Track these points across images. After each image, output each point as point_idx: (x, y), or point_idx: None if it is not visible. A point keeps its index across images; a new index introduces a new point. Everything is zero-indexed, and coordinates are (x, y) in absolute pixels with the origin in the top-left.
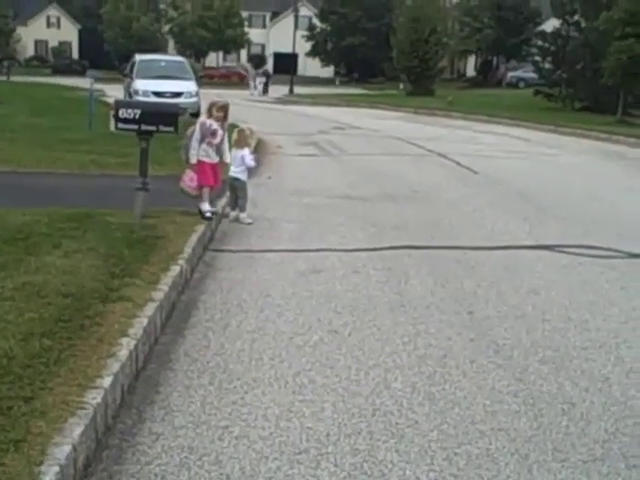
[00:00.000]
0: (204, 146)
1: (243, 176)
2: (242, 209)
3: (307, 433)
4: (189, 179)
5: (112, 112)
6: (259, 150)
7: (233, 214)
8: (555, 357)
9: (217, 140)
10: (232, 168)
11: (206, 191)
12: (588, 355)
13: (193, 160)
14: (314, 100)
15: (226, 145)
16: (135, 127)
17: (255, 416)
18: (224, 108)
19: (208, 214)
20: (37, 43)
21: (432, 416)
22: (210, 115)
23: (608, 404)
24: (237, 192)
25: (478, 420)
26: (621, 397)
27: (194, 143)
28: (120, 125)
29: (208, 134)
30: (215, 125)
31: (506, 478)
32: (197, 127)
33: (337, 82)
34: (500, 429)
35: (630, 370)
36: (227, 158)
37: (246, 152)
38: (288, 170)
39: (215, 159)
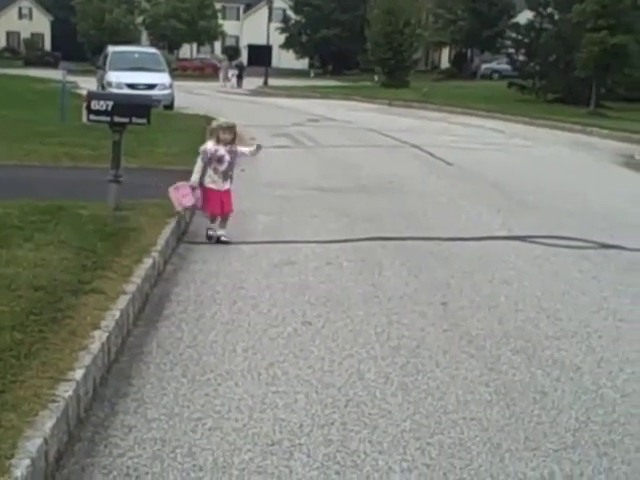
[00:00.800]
0: (210, 172)
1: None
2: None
3: (280, 424)
4: (182, 194)
5: (85, 104)
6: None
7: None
8: (527, 347)
9: (224, 167)
10: None
11: (213, 220)
12: (560, 345)
13: (193, 181)
14: (288, 92)
15: (244, 150)
16: (107, 119)
17: (228, 408)
18: (231, 130)
19: (224, 238)
20: (9, 34)
21: (405, 406)
22: (217, 139)
23: (579, 393)
24: None
25: (451, 410)
26: (592, 386)
27: (198, 166)
28: (92, 117)
29: (214, 161)
30: (222, 150)
31: (478, 467)
32: (206, 149)
33: (312, 74)
34: (472, 419)
35: (601, 359)
36: (246, 149)
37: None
38: (262, 162)
39: (223, 186)
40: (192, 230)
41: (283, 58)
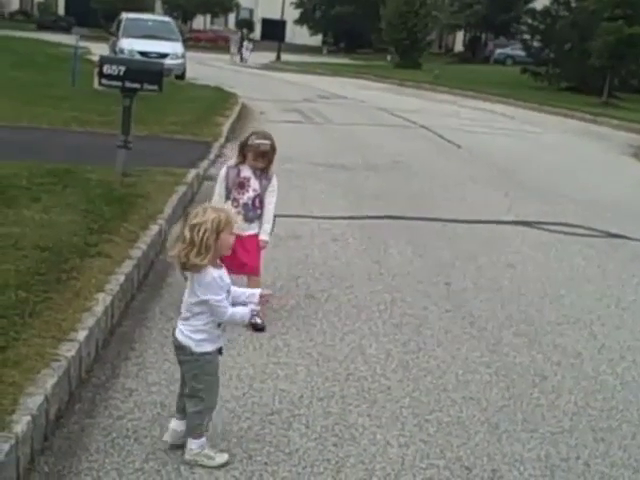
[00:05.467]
0: (228, 205)
1: (190, 342)
2: (193, 429)
3: (280, 395)
4: None
5: (96, 69)
6: (243, 116)
7: (173, 428)
8: (529, 331)
9: (246, 197)
10: (179, 322)
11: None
12: (562, 330)
13: None
14: (301, 68)
15: (269, 209)
16: (119, 84)
17: (229, 376)
18: (265, 156)
19: (253, 319)
20: None
21: (405, 383)
22: (242, 158)
23: (579, 378)
24: (186, 379)
25: (450, 389)
26: (592, 372)
27: (215, 196)
28: (104, 81)
29: (233, 186)
30: (247, 171)
31: (475, 446)
32: (220, 173)
33: (324, 51)
34: (472, 398)
35: (602, 346)
36: (266, 232)
37: (212, 273)
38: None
39: (244, 230)
40: (199, 199)
41: (297, 34)
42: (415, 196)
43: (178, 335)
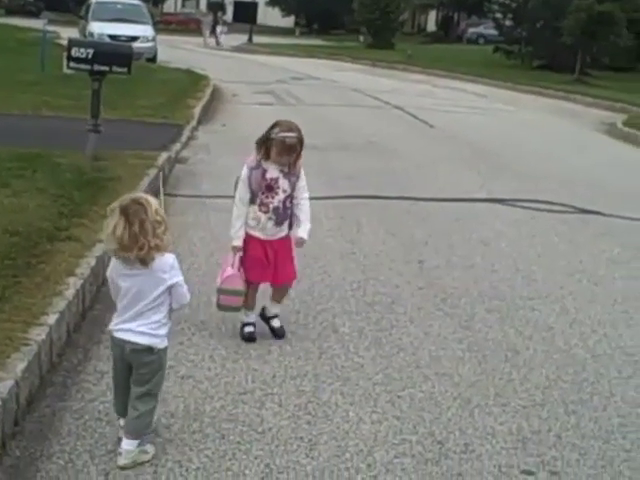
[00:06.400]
0: (254, 211)
1: (156, 339)
2: (144, 428)
3: (253, 374)
4: (230, 281)
5: (65, 53)
6: (215, 98)
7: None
8: (501, 306)
9: (277, 200)
10: (129, 323)
11: (251, 292)
12: (534, 305)
13: (233, 238)
14: (273, 50)
15: (307, 206)
16: (88, 67)
17: (202, 357)
18: (292, 149)
19: (247, 329)
20: None
21: (378, 360)
22: (266, 155)
23: (551, 352)
24: (136, 379)
25: (423, 365)
26: (564, 346)
27: (237, 205)
28: (72, 64)
29: (260, 189)
30: (273, 171)
31: (447, 421)
32: (242, 174)
33: (297, 33)
34: (444, 374)
35: (574, 321)
36: (306, 231)
37: (173, 258)
38: (243, 118)
39: (274, 234)
40: (171, 182)
41: (269, 15)
42: (388, 176)
43: (136, 338)
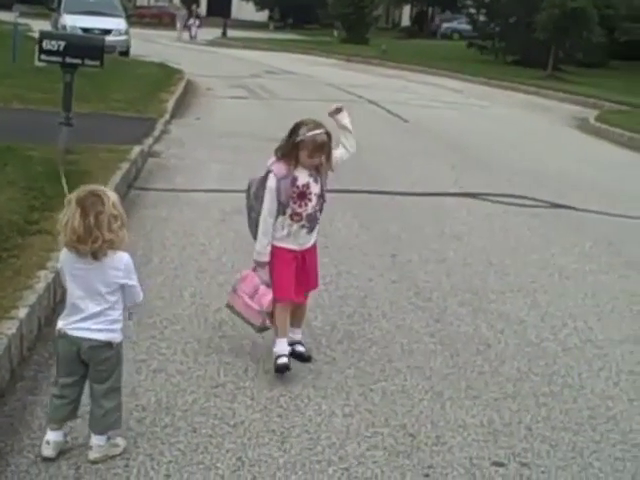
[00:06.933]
0: (285, 221)
1: (114, 334)
2: (113, 424)
3: (225, 368)
4: (249, 295)
5: (37, 46)
6: (189, 92)
7: (54, 440)
8: (473, 300)
9: (311, 206)
10: (85, 322)
11: (282, 313)
12: (506, 299)
13: (261, 253)
14: (247, 44)
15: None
16: (59, 59)
17: (174, 351)
18: (323, 147)
19: (282, 360)
20: None
21: (350, 354)
22: (295, 160)
23: (522, 345)
24: (95, 377)
25: (395, 358)
26: (535, 339)
27: (265, 217)
28: (44, 57)
29: (292, 198)
30: (304, 177)
31: (419, 413)
32: (267, 185)
33: (271, 27)
34: (416, 367)
35: (545, 314)
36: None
37: (128, 258)
38: (217, 112)
39: (306, 242)
40: (143, 176)
41: (243, 9)
42: (362, 170)
43: (94, 335)
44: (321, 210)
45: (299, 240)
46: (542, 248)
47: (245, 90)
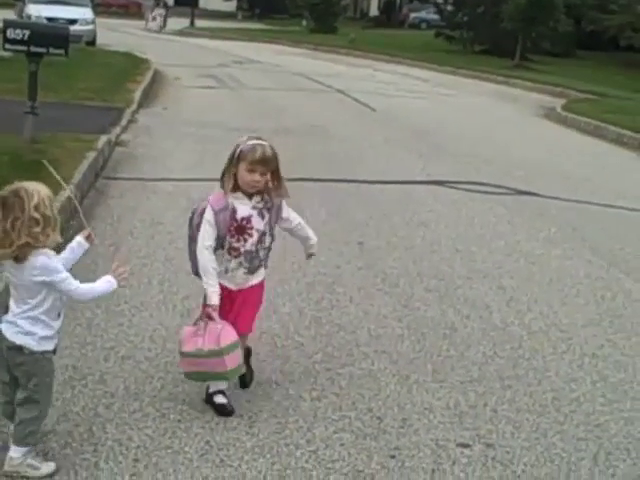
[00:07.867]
0: (224, 256)
1: (30, 340)
2: (26, 438)
3: None
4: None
5: (1, 35)
6: (157, 81)
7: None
8: (440, 285)
9: (250, 243)
10: (9, 315)
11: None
12: (472, 284)
13: (213, 297)
14: (215, 34)
15: (304, 226)
16: (24, 48)
17: (142, 338)
18: (265, 162)
19: (219, 399)
20: None
21: (317, 339)
22: (234, 184)
23: (488, 330)
24: (21, 383)
25: (362, 343)
26: (500, 324)
27: (200, 248)
28: (8, 46)
29: (229, 230)
30: (244, 209)
31: (386, 397)
32: (204, 218)
33: (239, 17)
34: (383, 352)
35: (510, 299)
36: (314, 239)
37: (44, 258)
38: (185, 102)
39: (245, 282)
40: (111, 165)
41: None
42: (330, 159)
43: (10, 335)
44: (268, 249)
45: (236, 280)
46: (508, 234)
47: (213, 80)
